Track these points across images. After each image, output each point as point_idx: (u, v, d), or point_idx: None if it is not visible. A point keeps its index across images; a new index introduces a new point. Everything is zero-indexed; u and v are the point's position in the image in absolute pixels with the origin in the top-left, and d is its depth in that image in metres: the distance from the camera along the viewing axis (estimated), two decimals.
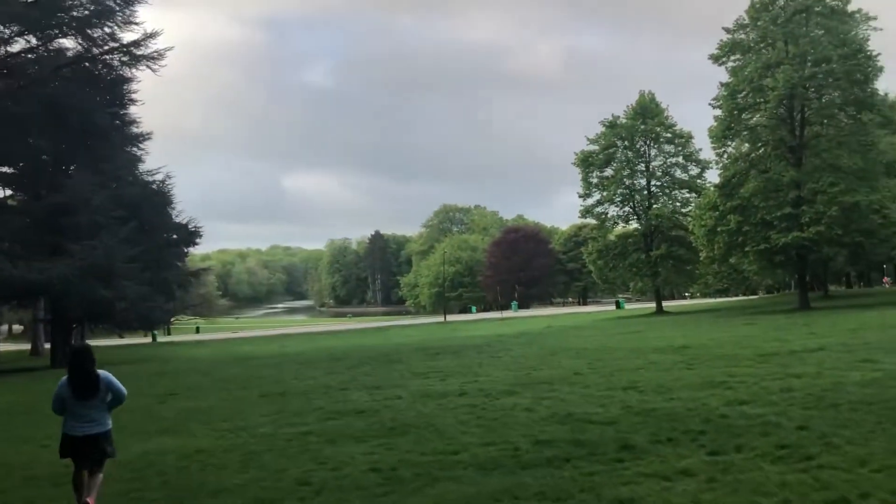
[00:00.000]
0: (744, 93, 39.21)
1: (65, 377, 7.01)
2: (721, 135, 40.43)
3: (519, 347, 25.91)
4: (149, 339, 70.68)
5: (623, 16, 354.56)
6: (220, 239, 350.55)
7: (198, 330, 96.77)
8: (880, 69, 37.89)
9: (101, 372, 7.06)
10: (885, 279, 76.35)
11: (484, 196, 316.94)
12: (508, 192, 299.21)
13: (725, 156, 41.32)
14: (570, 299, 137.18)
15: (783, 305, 45.70)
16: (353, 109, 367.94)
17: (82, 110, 34.07)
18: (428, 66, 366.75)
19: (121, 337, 70.75)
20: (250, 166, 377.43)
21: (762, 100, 39.31)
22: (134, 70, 36.48)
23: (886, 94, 41.26)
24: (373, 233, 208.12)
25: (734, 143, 40.93)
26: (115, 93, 37.76)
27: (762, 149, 40.06)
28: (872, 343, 16.20)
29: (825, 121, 39.62)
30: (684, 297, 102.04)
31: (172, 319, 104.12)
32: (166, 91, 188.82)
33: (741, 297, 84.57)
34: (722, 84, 41.48)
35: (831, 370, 12.37)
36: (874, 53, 37.54)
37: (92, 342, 63.99)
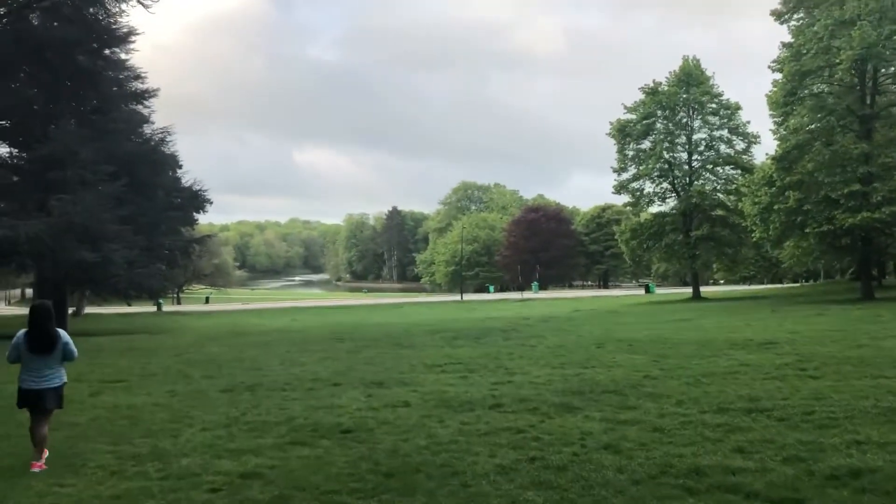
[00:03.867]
0: (809, 53, 34.50)
1: (23, 330, 7.30)
2: (782, 101, 35.77)
3: (551, 334, 21.86)
4: (154, 308, 67.26)
5: None
6: (239, 211, 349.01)
7: (207, 300, 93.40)
8: None
9: (60, 330, 7.41)
10: None
11: (493, 176, 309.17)
12: (517, 173, 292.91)
13: (784, 126, 36.64)
14: (590, 283, 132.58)
15: (836, 295, 41.23)
16: (357, 85, 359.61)
17: (62, 47, 30.29)
18: (430, 41, 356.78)
19: (129, 304, 67.77)
20: (259, 140, 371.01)
21: (828, 63, 34.63)
22: (122, 5, 32.46)
23: None
24: (390, 209, 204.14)
25: (796, 111, 36.18)
26: (101, 31, 33.77)
27: (826, 118, 35.40)
28: None
29: None
30: (709, 284, 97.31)
31: (185, 288, 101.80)
32: (166, 61, 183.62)
33: (771, 286, 79.86)
34: (783, 45, 36.81)
35: None
36: None
37: (96, 309, 61.03)
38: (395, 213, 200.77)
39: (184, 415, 9.91)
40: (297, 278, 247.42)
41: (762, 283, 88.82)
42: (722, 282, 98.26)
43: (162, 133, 44.00)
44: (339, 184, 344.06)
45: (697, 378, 11.19)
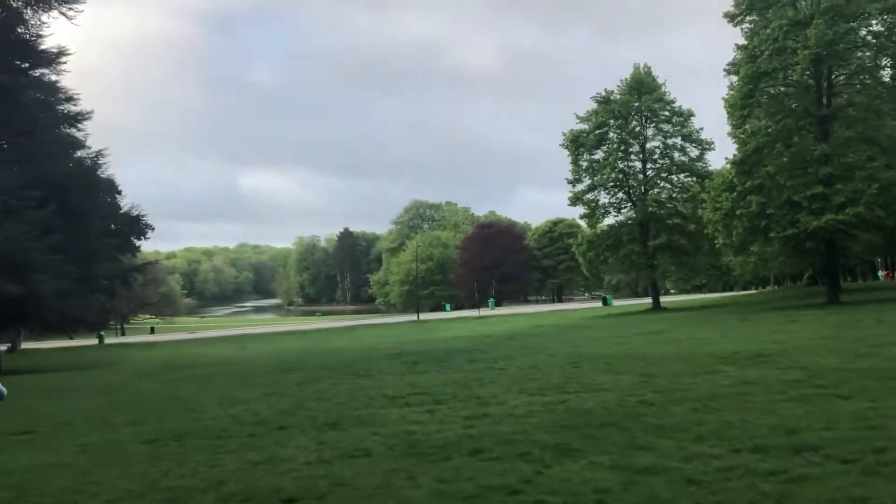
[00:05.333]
0: (764, 55, 33.84)
1: None
2: (740, 104, 35.02)
3: (520, 354, 20.25)
4: (96, 341, 63.83)
5: (552, 11, 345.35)
6: (186, 238, 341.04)
7: (153, 330, 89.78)
8: None
9: None
10: (885, 272, 71.71)
11: (442, 194, 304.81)
12: (465, 191, 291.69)
13: (742, 129, 35.85)
14: (544, 297, 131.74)
15: (798, 300, 40.65)
16: (298, 107, 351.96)
17: None
18: (369, 62, 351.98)
19: (70, 338, 64.26)
20: (202, 166, 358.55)
21: (782, 65, 34.05)
22: (44, 16, 30.30)
23: None
24: (341, 230, 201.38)
25: (754, 114, 35.49)
26: (25, 50, 31.58)
27: (784, 120, 34.78)
28: None
29: (858, 86, 34.55)
30: (660, 293, 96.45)
31: (129, 318, 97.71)
32: (96, 85, 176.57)
33: (724, 294, 79.65)
34: (738, 47, 36.19)
35: None
36: None
37: (35, 344, 57.42)
38: (346, 235, 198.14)
39: (89, 479, 7.97)
40: (248, 304, 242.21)
41: (713, 292, 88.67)
42: (673, 291, 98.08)
43: (95, 156, 41.61)
44: (287, 207, 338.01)
45: (704, 402, 9.64)
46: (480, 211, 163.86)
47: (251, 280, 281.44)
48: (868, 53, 34.13)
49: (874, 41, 32.93)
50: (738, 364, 13.75)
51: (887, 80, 34.27)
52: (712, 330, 24.14)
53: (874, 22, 32.30)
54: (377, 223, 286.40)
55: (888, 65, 33.91)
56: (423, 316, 73.43)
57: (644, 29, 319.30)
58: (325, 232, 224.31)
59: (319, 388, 15.14)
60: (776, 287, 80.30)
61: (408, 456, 7.79)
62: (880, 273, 70.85)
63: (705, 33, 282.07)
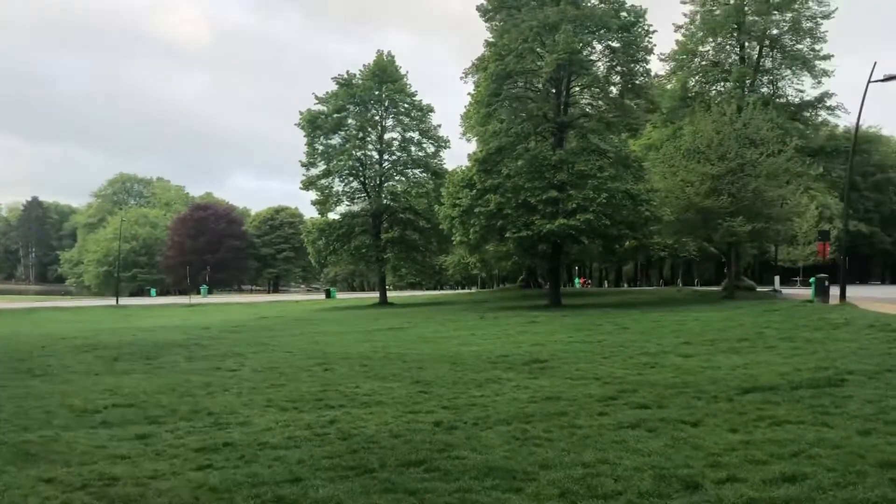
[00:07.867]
0: (512, 55, 33.76)
1: None
2: (486, 101, 34.58)
3: (251, 351, 17.04)
4: None
5: None
6: None
7: None
8: (650, 50, 34.88)
9: None
10: (582, 279, 77.96)
11: (146, 169, 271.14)
12: (173, 169, 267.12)
13: (486, 128, 35.50)
14: (259, 287, 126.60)
15: (518, 301, 41.64)
16: None
17: None
18: (59, 16, 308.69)
19: None
20: None
21: (525, 68, 34.29)
22: None
23: (655, 76, 38.53)
24: (29, 199, 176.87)
25: (497, 114, 35.32)
26: None
27: (524, 124, 35.07)
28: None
29: (589, 97, 35.98)
30: (367, 289, 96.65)
31: None
32: None
33: (437, 292, 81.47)
34: (487, 43, 35.80)
35: None
36: (651, 30, 34.27)
37: None
38: (34, 205, 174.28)
39: None
40: None
41: (426, 290, 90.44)
42: (388, 287, 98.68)
43: None
44: None
45: (520, 426, 7.40)
46: (196, 192, 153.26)
47: None
48: (602, 67, 35.55)
49: (610, 55, 34.28)
50: (517, 370, 11.98)
51: (616, 94, 35.88)
52: (457, 328, 22.73)
53: (613, 38, 33.59)
54: (72, 194, 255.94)
55: (619, 82, 35.54)
56: (123, 301, 65.51)
57: (351, 23, 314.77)
58: (7, 200, 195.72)
59: None
60: (483, 288, 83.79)
61: None
62: (577, 280, 76.91)
63: (419, 37, 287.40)
